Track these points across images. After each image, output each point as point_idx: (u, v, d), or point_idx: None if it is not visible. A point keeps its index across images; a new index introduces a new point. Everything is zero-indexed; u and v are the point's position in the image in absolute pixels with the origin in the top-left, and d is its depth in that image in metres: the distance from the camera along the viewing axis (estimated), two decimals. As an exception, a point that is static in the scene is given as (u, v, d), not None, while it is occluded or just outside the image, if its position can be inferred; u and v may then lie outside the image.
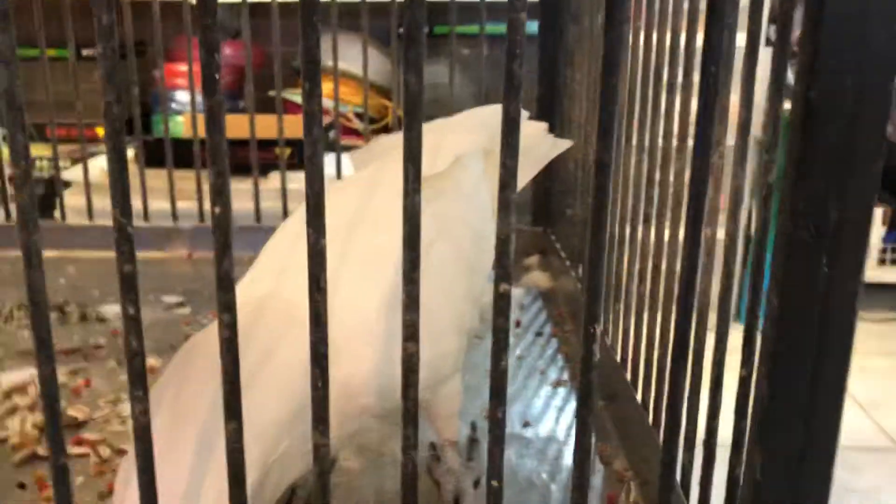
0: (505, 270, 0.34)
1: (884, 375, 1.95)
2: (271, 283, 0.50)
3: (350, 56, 1.29)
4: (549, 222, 1.12)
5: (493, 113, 0.69)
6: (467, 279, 0.57)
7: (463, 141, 0.62)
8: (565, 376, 0.78)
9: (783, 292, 0.34)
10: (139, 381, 0.35)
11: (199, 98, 1.02)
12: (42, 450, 0.62)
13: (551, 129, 0.77)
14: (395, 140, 0.68)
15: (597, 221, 0.34)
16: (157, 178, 1.13)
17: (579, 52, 0.94)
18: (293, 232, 0.55)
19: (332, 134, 1.42)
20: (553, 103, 1.07)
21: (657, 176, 0.62)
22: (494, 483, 0.37)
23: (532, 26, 1.59)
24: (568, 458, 0.64)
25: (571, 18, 0.99)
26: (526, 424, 0.69)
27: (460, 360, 0.57)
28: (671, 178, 0.59)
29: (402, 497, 0.37)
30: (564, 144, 0.78)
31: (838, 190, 0.34)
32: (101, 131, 1.97)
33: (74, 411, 0.67)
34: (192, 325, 0.87)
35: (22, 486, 0.58)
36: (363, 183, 0.59)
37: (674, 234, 0.58)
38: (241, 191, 1.08)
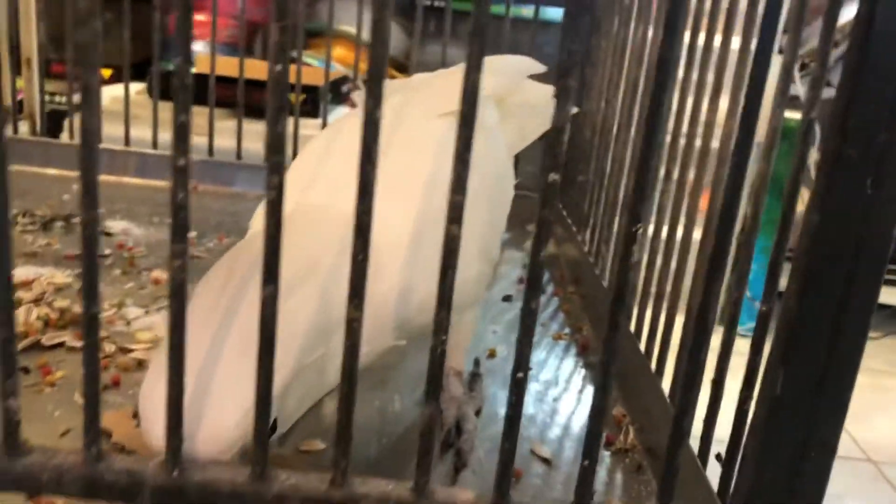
0: (555, 161, 0.34)
1: (863, 390, 1.98)
2: (312, 194, 0.50)
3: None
4: (556, 191, 1.12)
5: (510, 62, 0.69)
6: (490, 211, 0.57)
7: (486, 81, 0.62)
8: (566, 331, 0.79)
9: (824, 209, 0.35)
10: (180, 234, 0.35)
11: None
12: (46, 339, 0.62)
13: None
14: (424, 77, 0.69)
15: (653, 119, 0.34)
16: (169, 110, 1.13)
17: (607, 17, 0.95)
18: (324, 146, 0.55)
19: (344, 88, 1.42)
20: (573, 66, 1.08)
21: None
22: (520, 375, 0.37)
23: (553, 13, 1.60)
24: (565, 402, 0.65)
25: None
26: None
27: (482, 291, 0.57)
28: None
29: (427, 394, 0.37)
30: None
31: (890, 113, 0.34)
32: (106, 73, 1.97)
33: (80, 309, 0.66)
34: (196, 246, 0.87)
35: (26, 370, 0.58)
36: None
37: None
38: (253, 132, 1.09)
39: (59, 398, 0.55)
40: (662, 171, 0.66)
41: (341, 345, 0.37)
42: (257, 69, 1.18)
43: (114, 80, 1.64)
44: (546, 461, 0.56)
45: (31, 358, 0.59)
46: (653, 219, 0.66)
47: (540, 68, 0.71)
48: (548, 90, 0.75)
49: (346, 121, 0.61)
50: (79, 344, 0.62)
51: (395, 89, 0.68)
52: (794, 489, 0.38)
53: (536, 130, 0.70)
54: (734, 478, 0.44)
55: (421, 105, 0.57)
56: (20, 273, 0.72)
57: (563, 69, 0.34)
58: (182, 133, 0.34)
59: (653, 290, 0.65)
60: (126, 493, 0.38)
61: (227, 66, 1.15)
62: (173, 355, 0.36)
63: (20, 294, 0.69)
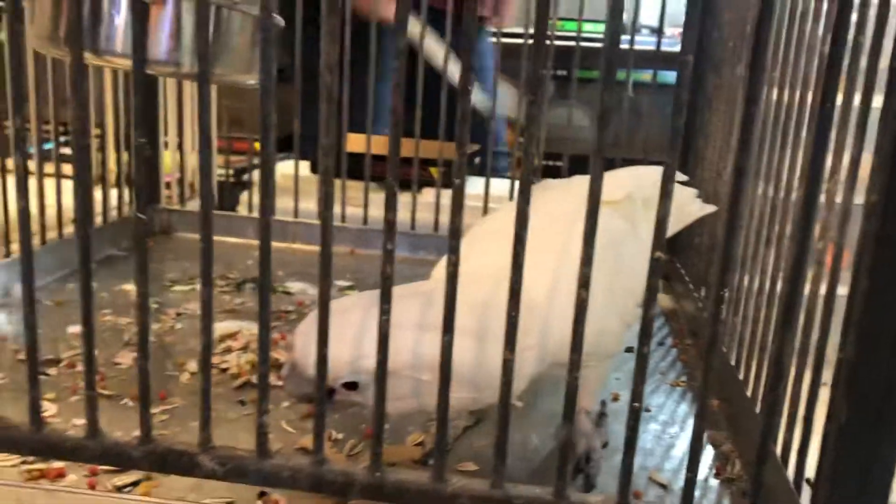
0: (659, 242, 0.46)
1: None
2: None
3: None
4: (675, 252, 1.22)
5: (651, 171, 0.81)
6: (628, 282, 0.68)
7: (632, 182, 0.75)
8: (683, 378, 0.89)
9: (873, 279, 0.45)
10: (386, 299, 0.49)
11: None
12: (254, 379, 0.78)
13: (684, 169, 0.89)
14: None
15: (733, 210, 0.46)
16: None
17: (717, 98, 1.05)
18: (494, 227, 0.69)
19: (476, 159, 1.57)
20: (689, 144, 1.19)
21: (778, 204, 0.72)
22: (636, 405, 0.49)
23: (670, 76, 1.72)
24: (681, 439, 0.75)
25: (712, 68, 1.10)
26: (647, 410, 0.80)
27: (618, 346, 0.69)
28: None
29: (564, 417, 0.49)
30: (709, 209, 0.89)
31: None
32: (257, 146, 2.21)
33: (276, 354, 0.82)
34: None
35: (242, 402, 0.74)
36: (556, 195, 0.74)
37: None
38: (400, 202, 1.25)
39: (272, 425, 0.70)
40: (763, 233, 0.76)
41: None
42: (405, 147, 1.34)
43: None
44: (663, 486, 0.66)
45: (245, 393, 0.75)
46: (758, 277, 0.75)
47: (682, 178, 0.85)
48: (690, 192, 0.88)
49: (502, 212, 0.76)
50: (280, 382, 0.77)
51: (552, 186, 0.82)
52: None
53: (676, 226, 0.86)
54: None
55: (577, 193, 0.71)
56: (225, 326, 0.89)
57: (667, 175, 0.46)
58: (389, 228, 0.48)
59: (757, 341, 0.74)
60: (342, 488, 0.52)
61: (378, 144, 1.32)
62: (322, 311, 0.50)
63: (229, 343, 0.85)
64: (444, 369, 0.49)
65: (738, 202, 0.46)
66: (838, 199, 0.57)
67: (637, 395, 0.49)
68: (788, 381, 0.60)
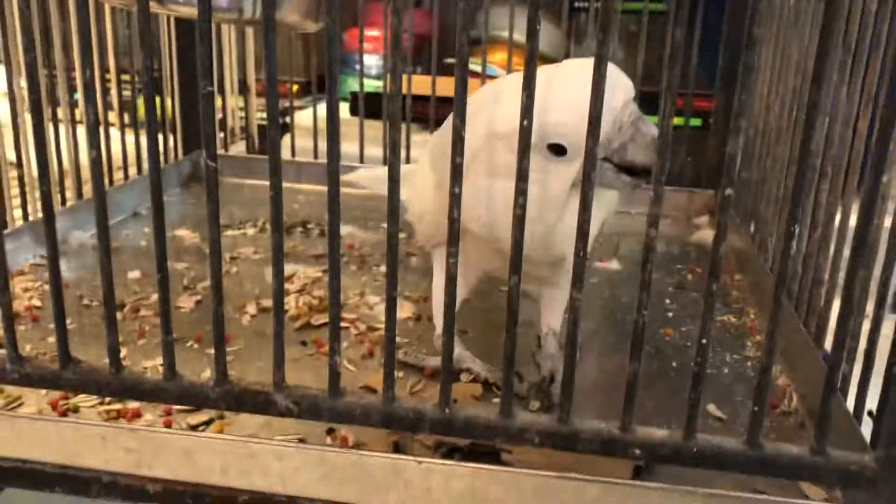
0: (730, 178, 0.46)
1: None
2: None
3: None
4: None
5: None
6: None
7: None
8: (734, 315, 0.89)
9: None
10: (454, 241, 0.50)
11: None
12: (313, 320, 0.79)
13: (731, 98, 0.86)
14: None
15: (808, 131, 0.45)
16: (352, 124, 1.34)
17: (768, 29, 1.03)
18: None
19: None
20: (735, 76, 1.16)
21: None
22: (703, 341, 0.49)
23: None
24: (728, 371, 0.75)
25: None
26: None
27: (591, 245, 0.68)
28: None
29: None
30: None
31: None
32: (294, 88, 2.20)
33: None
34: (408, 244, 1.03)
35: (304, 343, 0.76)
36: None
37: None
38: (417, 142, 1.25)
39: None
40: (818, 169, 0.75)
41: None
42: (419, 85, 1.33)
43: (301, 93, 1.84)
44: (720, 419, 0.67)
45: (306, 334, 0.77)
46: (812, 211, 0.75)
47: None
48: None
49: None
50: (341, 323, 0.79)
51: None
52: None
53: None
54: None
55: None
56: (280, 269, 0.90)
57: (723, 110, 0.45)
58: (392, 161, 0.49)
59: (810, 276, 0.74)
60: (412, 425, 0.53)
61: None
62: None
63: (286, 286, 0.87)
64: (512, 308, 0.49)
65: (811, 132, 0.46)
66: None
67: (705, 332, 0.49)
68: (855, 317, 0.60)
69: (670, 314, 0.87)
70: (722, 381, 0.74)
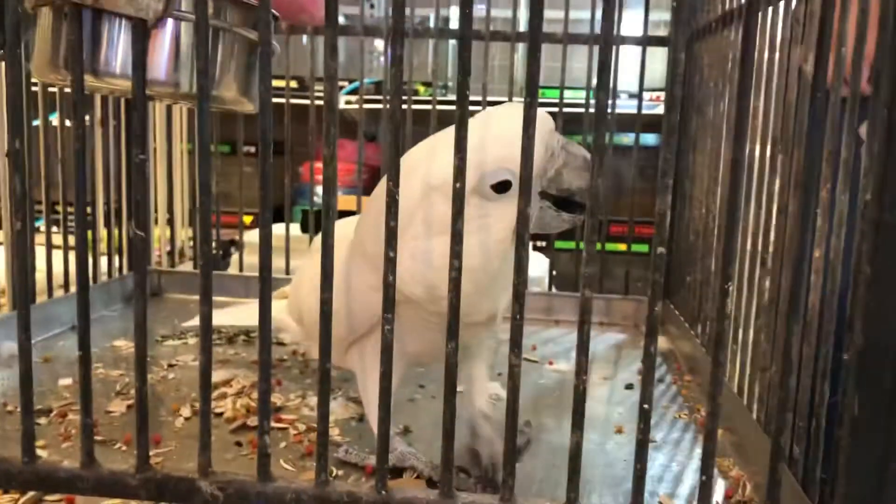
0: (661, 237, 0.46)
1: None
2: None
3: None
4: (668, 294, 1.22)
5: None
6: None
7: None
8: (685, 411, 0.87)
9: (875, 265, 0.45)
10: (389, 307, 0.48)
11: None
12: (250, 421, 0.76)
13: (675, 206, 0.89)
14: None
15: (731, 212, 0.46)
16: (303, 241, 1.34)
17: (701, 138, 1.07)
18: None
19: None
20: (676, 184, 1.20)
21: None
22: (645, 406, 0.48)
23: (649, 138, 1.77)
24: (690, 467, 0.73)
25: (696, 110, 1.12)
26: (652, 441, 0.78)
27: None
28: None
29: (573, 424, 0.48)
30: None
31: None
32: (247, 219, 2.23)
33: (274, 398, 0.81)
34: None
35: (238, 444, 0.72)
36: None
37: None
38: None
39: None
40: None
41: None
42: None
43: (254, 225, 1.87)
44: (672, 508, 0.65)
45: (241, 435, 0.74)
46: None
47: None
48: None
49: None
50: (279, 425, 0.76)
51: None
52: (881, 496, 0.47)
53: None
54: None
55: None
56: (221, 375, 0.88)
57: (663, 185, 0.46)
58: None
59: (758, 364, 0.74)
60: (347, 509, 0.50)
61: (347, 202, 1.34)
62: (383, 398, 0.49)
63: (224, 389, 0.84)
64: (450, 377, 0.48)
65: (736, 191, 0.46)
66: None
67: (646, 396, 0.48)
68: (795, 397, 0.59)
69: (620, 412, 0.85)
70: (680, 474, 0.72)
